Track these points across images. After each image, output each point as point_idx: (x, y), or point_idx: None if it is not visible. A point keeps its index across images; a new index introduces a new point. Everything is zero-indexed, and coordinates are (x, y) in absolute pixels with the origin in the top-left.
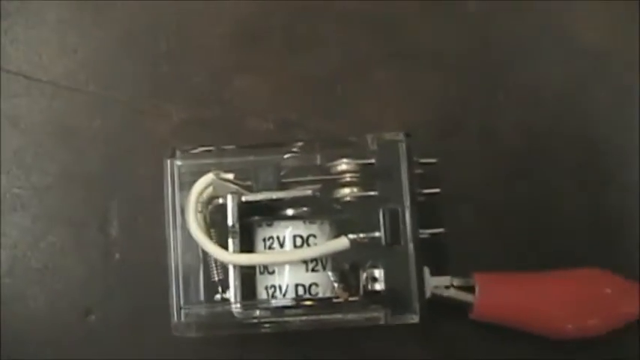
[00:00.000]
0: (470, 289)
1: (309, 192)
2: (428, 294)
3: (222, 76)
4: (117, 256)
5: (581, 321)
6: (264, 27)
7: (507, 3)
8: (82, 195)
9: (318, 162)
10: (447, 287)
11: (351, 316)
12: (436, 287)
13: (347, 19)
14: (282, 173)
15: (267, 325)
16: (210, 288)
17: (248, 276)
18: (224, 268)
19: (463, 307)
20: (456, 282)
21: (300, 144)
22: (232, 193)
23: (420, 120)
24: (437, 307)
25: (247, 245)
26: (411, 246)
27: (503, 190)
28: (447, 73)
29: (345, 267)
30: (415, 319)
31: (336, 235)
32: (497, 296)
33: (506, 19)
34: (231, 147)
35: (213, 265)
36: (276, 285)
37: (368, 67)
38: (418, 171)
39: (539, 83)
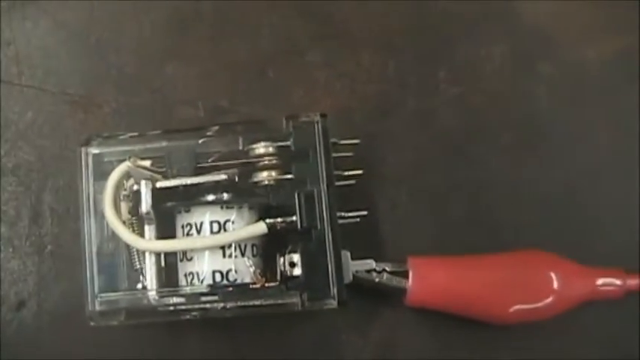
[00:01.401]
0: (404, 274)
1: (223, 176)
2: (348, 279)
3: (152, 64)
4: (49, 247)
5: (523, 305)
6: (193, 13)
7: None
8: (13, 188)
9: (240, 146)
10: (379, 272)
11: (269, 302)
12: (360, 272)
13: (277, 2)
14: (210, 159)
15: (186, 313)
16: (134, 276)
17: (173, 264)
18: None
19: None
20: (389, 267)
21: (215, 128)
22: (146, 179)
23: (355, 102)
24: (375, 293)
25: (169, 232)
26: (327, 229)
27: (441, 171)
28: (383, 52)
29: (263, 252)
30: (333, 304)
31: (257, 221)
32: (432, 281)
33: None
34: (148, 133)
35: (135, 253)
36: (194, 272)
37: (300, 50)
38: (347, 154)
39: (479, 61)
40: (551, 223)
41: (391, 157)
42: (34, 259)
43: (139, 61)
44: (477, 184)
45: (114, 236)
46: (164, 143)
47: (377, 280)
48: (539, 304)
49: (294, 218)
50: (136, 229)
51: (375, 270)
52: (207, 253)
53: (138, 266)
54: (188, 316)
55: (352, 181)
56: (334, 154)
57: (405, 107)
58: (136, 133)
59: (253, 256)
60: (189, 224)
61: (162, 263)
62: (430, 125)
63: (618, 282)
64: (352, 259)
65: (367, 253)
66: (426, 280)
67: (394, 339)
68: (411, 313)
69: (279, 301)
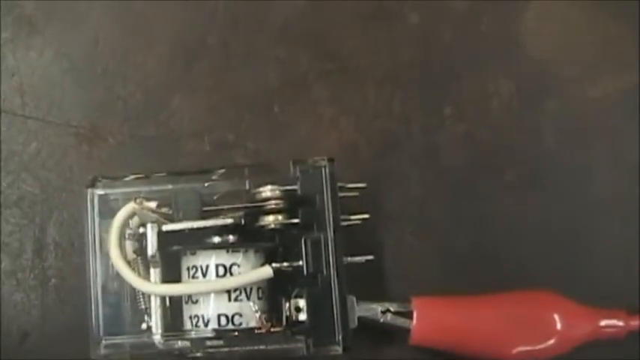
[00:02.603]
0: (408, 315)
1: (230, 221)
2: (354, 324)
3: (158, 97)
4: (53, 281)
5: (526, 346)
6: (199, 45)
7: (451, 14)
8: (17, 220)
9: (247, 188)
10: (383, 312)
11: (274, 347)
12: (368, 314)
13: (283, 36)
14: (215, 197)
15: (191, 357)
16: (139, 315)
17: (178, 305)
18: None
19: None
20: (394, 307)
21: (221, 171)
22: (152, 222)
23: (360, 138)
24: (378, 333)
25: (174, 274)
26: (333, 275)
27: (446, 207)
28: (389, 88)
29: (269, 295)
30: (339, 350)
31: (262, 264)
32: (436, 321)
33: (451, 30)
34: (154, 174)
35: (140, 293)
36: (200, 315)
37: (306, 85)
38: (351, 194)
39: (485, 96)
40: (554, 260)
41: (396, 193)
42: (38, 291)
43: (144, 93)
44: (482, 220)
45: (119, 275)
46: (170, 186)
47: (382, 320)
48: (542, 345)
49: (300, 263)
50: (140, 268)
51: (379, 310)
52: (212, 296)
53: (143, 306)
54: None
55: (358, 222)
56: (341, 194)
57: (410, 143)
58: (141, 175)
59: (259, 299)
60: (195, 267)
61: (167, 303)
62: (435, 161)
63: (620, 323)
64: (357, 300)
65: (372, 292)
66: (431, 320)
67: None
68: (416, 353)
69: (285, 346)
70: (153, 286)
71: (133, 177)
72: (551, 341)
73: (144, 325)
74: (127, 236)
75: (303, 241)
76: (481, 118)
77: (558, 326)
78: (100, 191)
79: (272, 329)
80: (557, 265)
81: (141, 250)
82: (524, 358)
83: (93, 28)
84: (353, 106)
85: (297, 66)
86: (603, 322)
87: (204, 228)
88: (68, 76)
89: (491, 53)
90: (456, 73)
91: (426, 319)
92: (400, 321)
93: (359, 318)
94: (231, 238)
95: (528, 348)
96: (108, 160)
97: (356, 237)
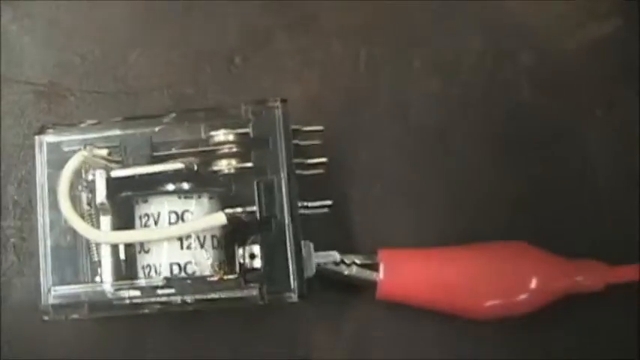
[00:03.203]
0: (375, 267)
1: (180, 165)
2: (311, 271)
3: (117, 53)
4: (12, 240)
5: (500, 299)
6: (158, 1)
7: None
8: None
9: (202, 134)
10: (348, 265)
11: (228, 296)
12: (329, 265)
13: None
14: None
15: (145, 307)
16: (94, 270)
17: (133, 257)
18: None
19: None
20: (359, 259)
21: (173, 115)
22: (101, 168)
23: (326, 92)
24: (347, 287)
25: (128, 224)
26: (287, 219)
27: (416, 164)
28: (355, 42)
29: (225, 245)
30: (293, 297)
31: (217, 211)
32: (404, 273)
33: None
34: (104, 121)
35: (93, 246)
36: (152, 264)
37: (268, 38)
38: (314, 142)
39: (456, 52)
40: (529, 216)
41: (364, 149)
42: None
43: (103, 50)
44: (452, 176)
45: (72, 229)
46: (119, 132)
47: (346, 273)
48: (517, 299)
49: (254, 208)
50: (94, 221)
51: (344, 263)
52: (165, 245)
53: (96, 258)
54: (147, 310)
55: (320, 171)
56: (301, 142)
57: (378, 98)
58: (93, 121)
59: (213, 248)
60: (147, 215)
61: (123, 256)
62: (405, 117)
63: (598, 274)
64: (317, 249)
65: (339, 247)
66: (397, 273)
67: (366, 334)
68: (384, 307)
69: (239, 295)
70: (101, 234)
71: (82, 124)
72: (526, 294)
73: (98, 278)
74: (80, 188)
75: (255, 184)
76: (453, 74)
77: (533, 278)
78: (48, 138)
79: (225, 277)
80: (532, 220)
81: (94, 201)
82: (497, 312)
83: None
84: (317, 59)
85: (259, 19)
86: (580, 274)
87: (155, 174)
88: (26, 34)
89: (462, 7)
90: (426, 27)
91: (393, 271)
92: (366, 274)
93: (324, 268)
94: (183, 184)
95: (502, 301)
96: (67, 117)
97: (322, 192)
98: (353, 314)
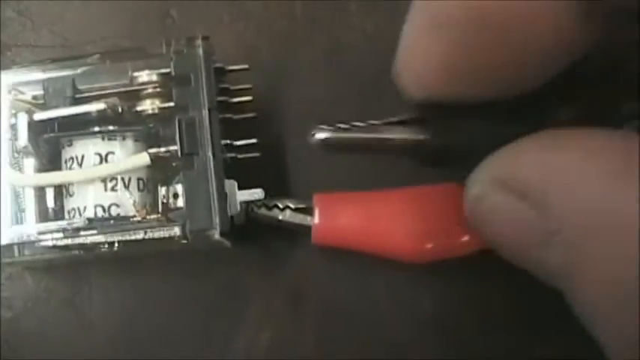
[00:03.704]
0: (309, 212)
1: (102, 105)
2: (235, 209)
3: (53, 7)
4: None
5: (438, 241)
6: None
7: None
8: None
9: (128, 78)
10: (281, 209)
11: (153, 236)
12: (261, 208)
13: None
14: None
15: (72, 250)
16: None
17: (60, 203)
18: None
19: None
20: (293, 203)
21: (96, 56)
22: (23, 111)
23: (260, 40)
24: (284, 232)
25: (55, 169)
26: (209, 156)
27: (354, 107)
28: None
29: (150, 188)
30: (215, 235)
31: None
32: (339, 217)
33: None
34: (26, 64)
35: (21, 192)
36: (76, 207)
37: None
38: (246, 86)
39: None
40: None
41: (300, 93)
42: None
43: (39, 3)
44: None
45: None
46: (43, 74)
47: (280, 217)
48: (457, 240)
49: (176, 148)
50: (21, 166)
51: (278, 207)
52: (89, 188)
53: (23, 205)
54: (76, 252)
55: (252, 114)
56: (232, 87)
57: (313, 42)
58: (18, 66)
59: (140, 190)
60: (72, 158)
61: (52, 203)
62: (342, 62)
63: None
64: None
65: (274, 192)
66: (333, 216)
67: (304, 281)
68: (324, 253)
69: (163, 235)
70: (22, 177)
71: (7, 70)
72: (466, 236)
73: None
74: (10, 135)
75: (177, 121)
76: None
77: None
78: None
79: (147, 216)
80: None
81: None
82: (437, 255)
83: None
84: (252, 9)
85: None
86: None
87: (79, 115)
88: None
89: None
90: None
91: (328, 215)
92: (300, 218)
93: (257, 212)
94: (108, 125)
95: (441, 243)
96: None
97: (258, 137)
98: (290, 261)
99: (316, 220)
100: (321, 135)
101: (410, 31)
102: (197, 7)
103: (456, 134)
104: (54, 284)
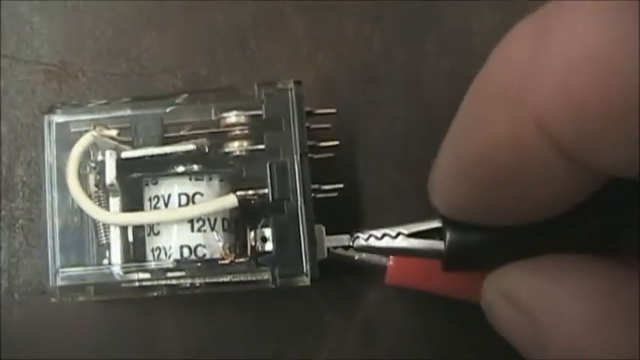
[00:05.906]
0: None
1: (192, 146)
2: (323, 255)
3: (129, 33)
4: (20, 222)
5: None
6: None
7: None
8: None
9: (212, 116)
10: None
11: (239, 279)
12: (339, 249)
13: None
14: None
15: (154, 289)
16: (101, 252)
17: (142, 240)
18: None
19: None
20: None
21: (184, 96)
22: (111, 149)
23: (339, 72)
24: (358, 271)
25: (137, 206)
26: (300, 202)
27: (429, 144)
28: (369, 23)
29: (236, 228)
30: (306, 281)
31: (228, 193)
32: (413, 259)
33: None
34: (114, 101)
35: (101, 228)
36: (162, 247)
37: (282, 21)
38: (325, 125)
39: (469, 31)
40: None
41: (377, 130)
42: (5, 233)
43: (115, 30)
44: None
45: (80, 210)
46: (130, 112)
47: (356, 257)
48: None
49: (266, 191)
50: (102, 202)
51: (353, 247)
52: (175, 227)
53: (104, 241)
54: (156, 293)
55: (330, 154)
56: (313, 126)
57: (391, 79)
58: (103, 101)
59: (224, 230)
60: (157, 197)
61: (131, 238)
62: (418, 97)
63: None
64: (329, 234)
65: (350, 230)
66: (407, 258)
67: (378, 319)
68: (396, 292)
69: (250, 278)
70: (110, 215)
71: (94, 103)
72: None
73: (105, 262)
74: (89, 170)
75: (268, 166)
76: (465, 54)
77: None
78: (57, 118)
79: (236, 260)
80: None
81: (103, 182)
82: None
83: None
84: (331, 41)
85: (273, 1)
86: None
87: (166, 155)
88: (37, 12)
89: None
90: (437, 6)
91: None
92: (376, 259)
93: (334, 252)
94: (194, 165)
95: None
96: (78, 97)
97: (333, 175)
98: (364, 299)
99: (391, 260)
100: (360, 242)
101: (440, 160)
102: (276, 37)
103: (473, 246)
104: (121, 320)
